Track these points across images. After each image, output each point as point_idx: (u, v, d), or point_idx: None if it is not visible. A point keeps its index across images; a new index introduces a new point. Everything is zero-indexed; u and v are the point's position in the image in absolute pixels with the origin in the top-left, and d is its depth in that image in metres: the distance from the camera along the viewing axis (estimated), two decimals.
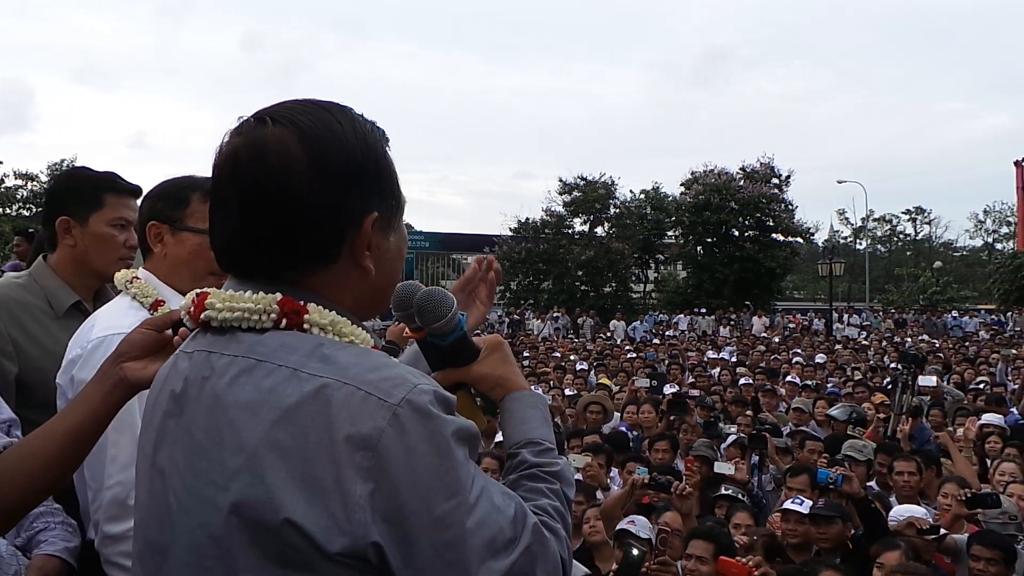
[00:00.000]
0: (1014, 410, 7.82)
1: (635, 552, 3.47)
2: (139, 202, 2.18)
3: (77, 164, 3.74)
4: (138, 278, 1.98)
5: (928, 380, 7.91)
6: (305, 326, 1.01)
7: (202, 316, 1.06)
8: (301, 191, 0.99)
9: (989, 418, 6.86)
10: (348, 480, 0.90)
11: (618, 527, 4.13)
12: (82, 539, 1.91)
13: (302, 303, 1.02)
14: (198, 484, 0.98)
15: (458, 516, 0.93)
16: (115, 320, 1.84)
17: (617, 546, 4.07)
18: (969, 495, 4.31)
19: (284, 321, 1.01)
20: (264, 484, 0.92)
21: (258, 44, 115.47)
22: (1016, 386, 10.02)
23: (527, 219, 33.88)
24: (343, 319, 1.03)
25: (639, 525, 4.06)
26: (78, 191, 2.27)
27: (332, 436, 0.91)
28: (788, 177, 34.43)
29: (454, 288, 1.48)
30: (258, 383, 0.97)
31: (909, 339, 20.41)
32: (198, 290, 1.11)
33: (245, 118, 1.04)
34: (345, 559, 0.91)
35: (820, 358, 14.02)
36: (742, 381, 10.41)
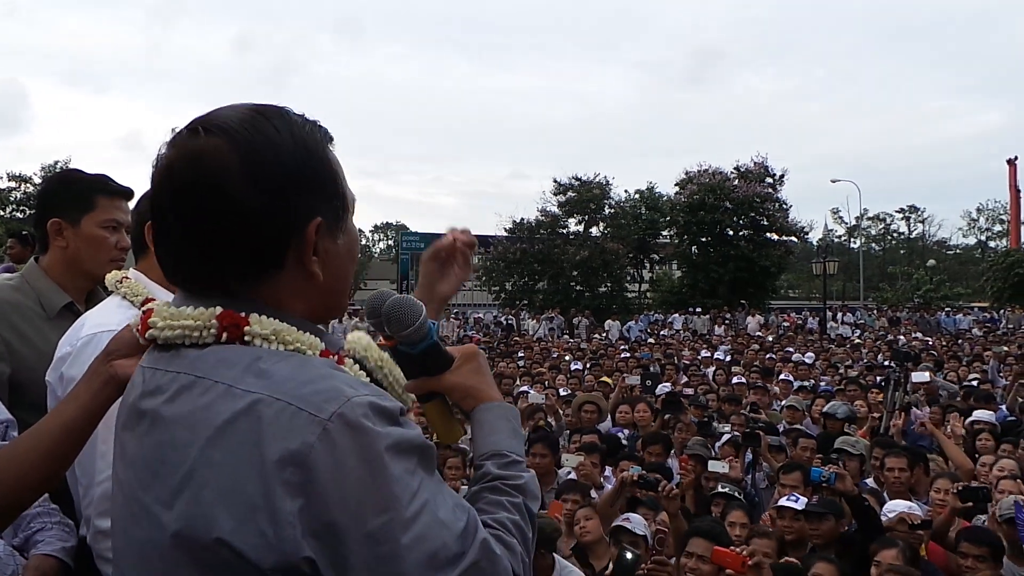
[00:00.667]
0: (1003, 407, 7.86)
1: (628, 556, 3.43)
2: (134, 203, 2.19)
3: (70, 166, 3.73)
4: (128, 278, 2.00)
5: (921, 376, 7.98)
6: (246, 338, 1.00)
7: (146, 334, 1.07)
8: (237, 201, 0.98)
9: (980, 414, 6.90)
10: (277, 497, 0.90)
11: (614, 524, 4.14)
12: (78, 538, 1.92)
13: (243, 315, 1.01)
14: (146, 500, 0.99)
15: (391, 532, 0.91)
16: (105, 318, 1.85)
17: (613, 543, 4.07)
18: (961, 487, 4.32)
19: (224, 335, 1.00)
20: (199, 503, 0.93)
21: (250, 45, 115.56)
22: (1007, 383, 10.05)
23: (522, 219, 33.87)
24: (287, 327, 1.02)
25: (634, 522, 4.07)
26: (70, 193, 2.27)
27: (262, 453, 0.91)
28: (782, 176, 34.56)
29: (425, 257, 1.50)
30: (195, 400, 0.97)
31: (902, 337, 20.47)
32: (146, 307, 1.12)
33: (179, 129, 1.04)
34: (280, 575, 0.91)
35: (809, 356, 14.07)
36: (736, 380, 10.45)
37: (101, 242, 2.25)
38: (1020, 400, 8.23)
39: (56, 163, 35.93)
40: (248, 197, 0.98)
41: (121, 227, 2.27)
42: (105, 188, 2.27)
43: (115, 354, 1.42)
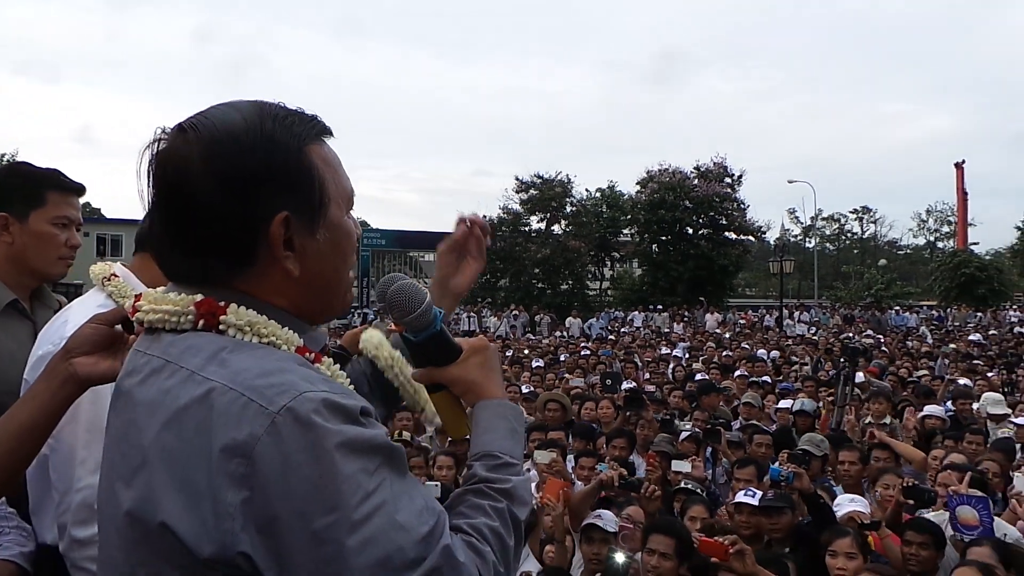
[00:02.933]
0: (949, 403, 8.14)
1: (620, 559, 3.32)
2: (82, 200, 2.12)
3: (18, 159, 3.63)
4: (116, 275, 1.94)
5: (858, 375, 8.27)
6: (221, 327, 1.01)
7: (134, 317, 1.10)
8: (202, 197, 0.99)
9: (931, 409, 7.13)
10: (221, 487, 0.90)
11: (585, 522, 4.15)
12: (36, 543, 1.86)
13: (223, 304, 1.02)
14: (113, 477, 1.02)
15: (336, 532, 0.89)
16: (87, 316, 1.80)
17: (584, 540, 4.09)
18: (909, 484, 4.46)
19: (201, 322, 1.02)
20: (149, 485, 0.95)
21: (209, 37, 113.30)
22: (961, 381, 10.40)
23: (484, 217, 33.80)
24: (264, 320, 1.02)
25: (605, 519, 4.08)
26: (19, 187, 2.18)
27: (211, 441, 0.91)
28: (740, 176, 35.19)
29: (441, 250, 1.49)
30: (161, 384, 0.99)
31: (854, 335, 21.00)
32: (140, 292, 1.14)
33: (172, 126, 1.06)
34: (217, 565, 0.91)
35: (762, 353, 14.38)
36: (696, 377, 10.62)
37: (50, 239, 2.16)
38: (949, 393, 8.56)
39: (3, 156, 34.80)
40: (209, 193, 0.99)
41: (72, 224, 2.19)
42: (56, 183, 2.18)
43: (75, 352, 1.39)
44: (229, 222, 1.00)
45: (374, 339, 1.28)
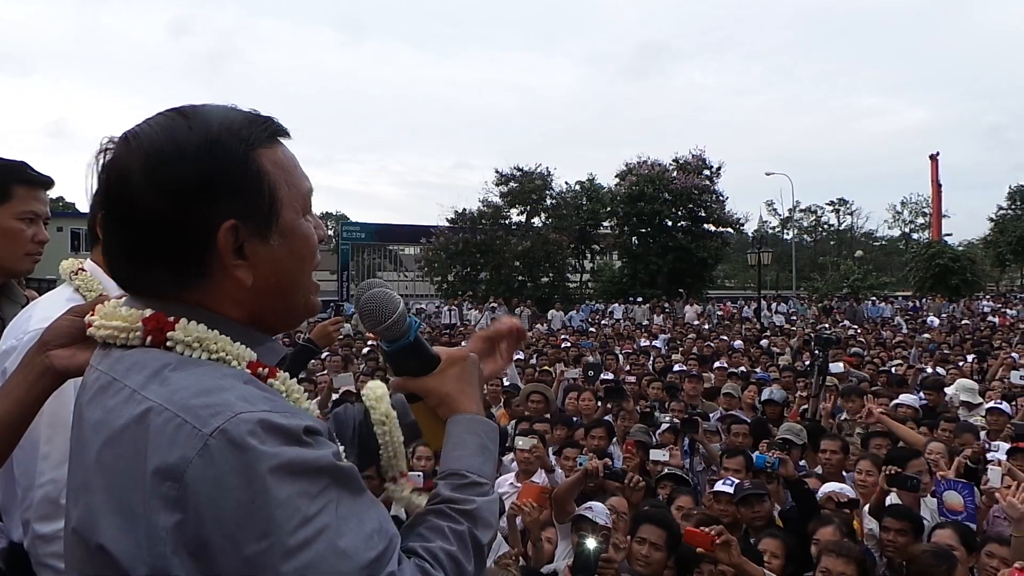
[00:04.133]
0: (921, 394, 8.27)
1: (591, 544, 3.31)
2: (54, 194, 2.07)
3: None
4: (83, 270, 1.92)
5: (836, 366, 8.36)
6: (169, 343, 0.99)
7: (87, 332, 1.08)
8: (144, 208, 0.97)
9: (905, 398, 7.24)
10: (153, 510, 0.88)
11: (576, 513, 4.16)
12: (7, 541, 1.85)
13: (172, 319, 1.00)
14: (69, 493, 1.01)
15: (270, 559, 0.86)
16: (54, 312, 1.78)
17: (573, 531, 4.10)
18: (893, 472, 4.53)
19: (149, 339, 1.00)
20: (89, 506, 0.94)
21: (186, 29, 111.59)
22: (931, 370, 10.55)
23: (464, 210, 33.83)
24: (213, 336, 1.00)
25: (596, 511, 4.08)
26: None
27: (145, 463, 0.89)
28: (719, 169, 35.40)
29: (480, 335, 1.46)
30: (106, 402, 0.97)
31: (830, 326, 21.23)
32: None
33: (119, 135, 1.04)
34: None
35: (738, 344, 14.51)
36: (675, 368, 10.69)
37: (16, 235, 2.11)
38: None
39: None
40: (151, 203, 0.97)
41: (39, 219, 2.14)
42: (23, 177, 2.12)
43: (51, 344, 1.39)
44: (174, 233, 0.98)
45: (377, 392, 1.26)
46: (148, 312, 1.01)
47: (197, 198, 0.97)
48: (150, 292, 1.03)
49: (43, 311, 1.80)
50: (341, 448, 1.04)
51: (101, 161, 1.02)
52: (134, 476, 0.90)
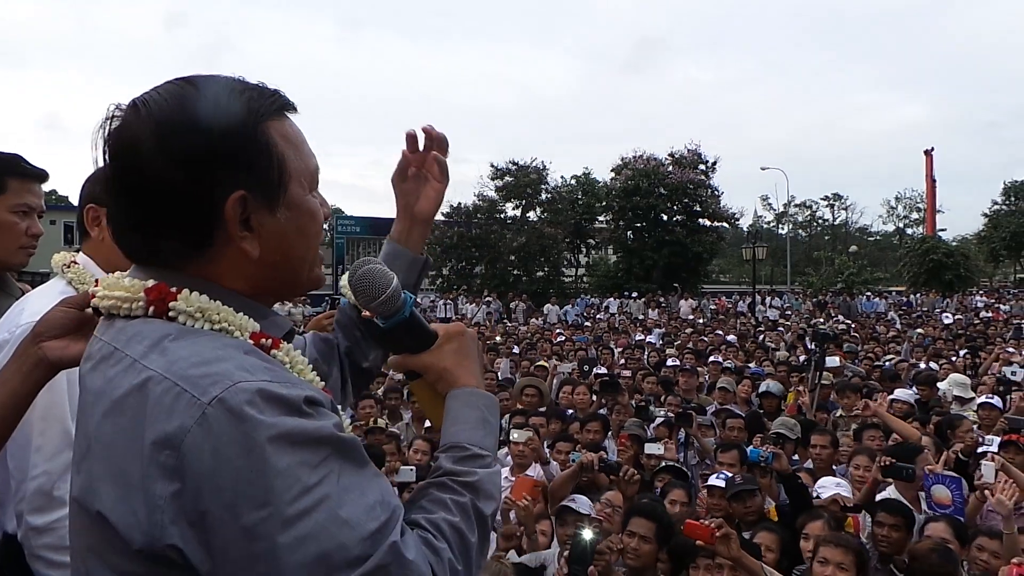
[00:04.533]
0: (913, 388, 8.31)
1: (587, 535, 3.29)
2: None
3: None
4: (76, 263, 1.91)
5: (832, 360, 8.39)
6: (171, 314, 0.99)
7: (91, 303, 1.08)
8: (153, 176, 0.96)
9: (899, 394, 7.27)
10: (151, 479, 0.88)
11: (559, 505, 4.18)
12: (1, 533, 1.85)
13: (175, 290, 0.99)
14: (72, 462, 1.02)
15: (268, 528, 0.86)
16: (46, 305, 1.78)
17: (559, 524, 4.12)
18: (888, 463, 4.55)
19: (151, 309, 0.99)
20: (91, 474, 0.95)
21: (181, 21, 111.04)
22: (923, 365, 10.60)
23: (459, 204, 33.79)
24: (216, 306, 1.00)
25: (580, 503, 4.11)
26: None
27: (144, 432, 0.89)
28: (714, 163, 35.42)
29: (394, 178, 1.42)
30: (107, 371, 0.97)
31: (825, 320, 21.29)
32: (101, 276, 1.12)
33: (127, 102, 1.03)
34: (150, 556, 0.90)
35: (731, 338, 14.56)
36: (669, 362, 10.73)
37: (10, 228, 2.10)
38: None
39: None
40: (161, 171, 0.96)
41: (33, 212, 2.13)
42: (17, 170, 2.10)
43: (45, 336, 1.39)
44: (182, 202, 0.97)
45: (343, 281, 1.25)
46: (151, 282, 1.00)
47: (207, 168, 0.96)
48: (156, 263, 1.02)
49: (35, 304, 1.79)
50: (346, 420, 1.05)
51: (107, 128, 1.01)
52: (133, 445, 0.90)
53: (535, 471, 5.07)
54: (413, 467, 4.64)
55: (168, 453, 0.87)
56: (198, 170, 0.96)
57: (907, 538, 3.97)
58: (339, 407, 1.11)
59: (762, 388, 8.00)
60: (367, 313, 1.19)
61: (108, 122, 1.01)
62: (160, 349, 0.95)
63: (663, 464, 5.22)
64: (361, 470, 0.94)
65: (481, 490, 1.08)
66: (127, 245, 1.04)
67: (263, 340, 1.02)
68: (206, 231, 0.99)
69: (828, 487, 4.62)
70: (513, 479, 4.88)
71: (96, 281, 1.09)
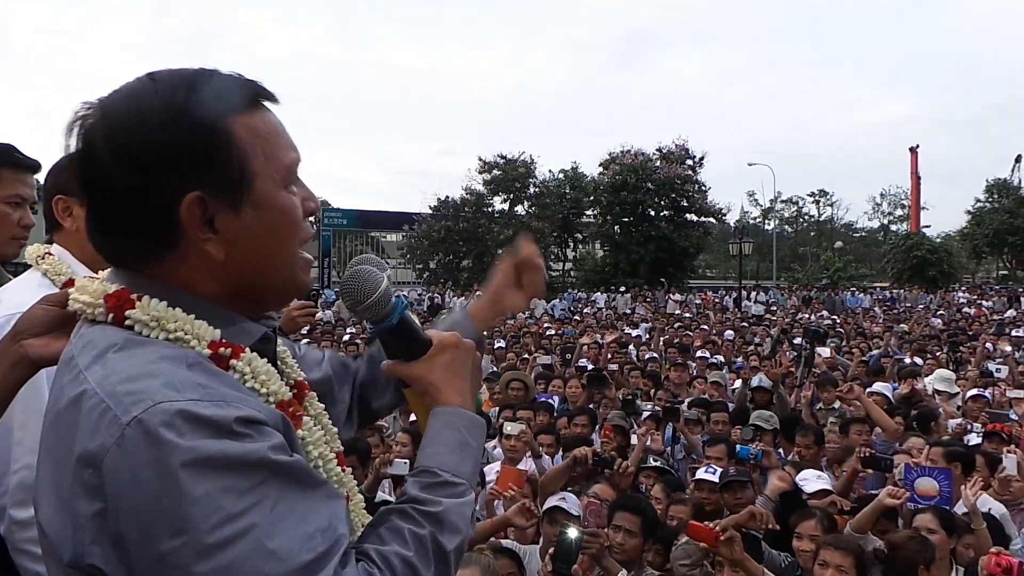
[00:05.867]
0: (898, 383, 8.39)
1: (572, 534, 3.27)
2: (42, 178, 2.07)
3: None
4: (51, 254, 1.89)
5: (823, 351, 8.47)
6: (127, 322, 0.96)
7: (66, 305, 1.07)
8: (106, 178, 0.93)
9: (878, 387, 7.35)
10: (77, 496, 0.86)
11: (548, 504, 4.16)
12: None
13: (135, 296, 0.96)
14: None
15: (183, 558, 0.81)
16: (23, 298, 1.75)
17: (547, 522, 4.11)
18: (867, 455, 4.61)
19: (111, 316, 0.97)
20: (38, 481, 0.95)
21: (169, 11, 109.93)
22: (909, 360, 10.69)
23: (447, 197, 33.77)
24: (173, 314, 0.96)
25: (570, 502, 4.09)
26: None
27: (73, 447, 0.87)
28: (702, 159, 35.57)
29: (504, 261, 1.46)
30: (61, 378, 0.96)
31: (810, 316, 21.45)
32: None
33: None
34: (77, 572, 0.88)
35: (729, 334, 14.63)
36: (648, 355, 10.81)
37: (3, 219, 2.09)
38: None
39: None
40: (113, 172, 0.93)
41: (25, 203, 2.12)
42: (10, 160, 2.09)
43: (26, 333, 1.37)
44: (137, 204, 0.93)
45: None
46: (112, 288, 0.98)
47: (159, 169, 0.92)
48: (125, 265, 1.00)
49: (12, 297, 1.78)
50: (317, 434, 1.02)
51: (73, 127, 0.98)
52: (66, 460, 0.87)
53: (527, 464, 5.07)
54: (407, 460, 4.59)
55: (91, 472, 0.85)
56: (150, 170, 0.92)
57: (890, 528, 4.02)
58: (313, 423, 1.08)
59: (753, 383, 8.02)
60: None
61: (77, 120, 0.98)
62: (102, 360, 0.91)
63: (650, 462, 5.23)
64: (305, 494, 0.89)
65: (445, 522, 1.00)
66: (96, 245, 1.01)
67: (222, 349, 0.97)
68: (167, 233, 0.95)
69: (809, 480, 4.66)
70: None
71: (71, 281, 1.09)
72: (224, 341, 0.98)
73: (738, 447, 5.05)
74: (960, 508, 4.23)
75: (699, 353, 11.07)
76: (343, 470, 1.15)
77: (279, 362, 1.19)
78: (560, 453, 5.32)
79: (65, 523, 0.87)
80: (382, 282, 1.10)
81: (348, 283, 1.11)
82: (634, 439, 5.54)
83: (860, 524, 3.88)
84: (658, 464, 5.20)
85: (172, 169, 0.92)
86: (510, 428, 5.14)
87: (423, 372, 1.13)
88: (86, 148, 0.95)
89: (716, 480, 4.55)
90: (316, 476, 0.94)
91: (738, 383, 8.36)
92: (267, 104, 1.02)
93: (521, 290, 1.47)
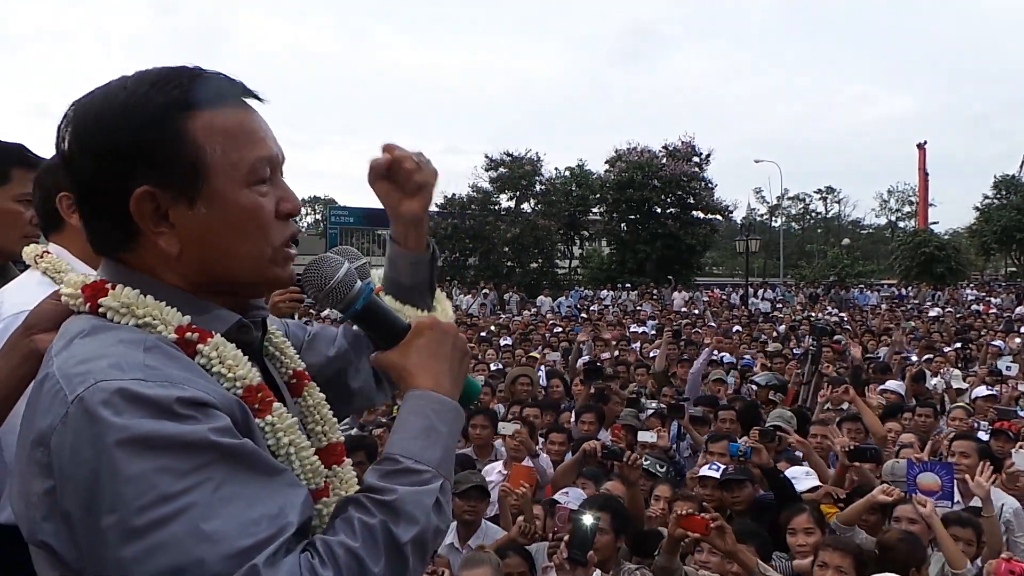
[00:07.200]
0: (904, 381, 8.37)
1: (588, 520, 3.28)
2: (43, 176, 2.05)
3: None
4: (48, 252, 1.90)
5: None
6: (101, 310, 1.00)
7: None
8: (72, 169, 1.00)
9: (891, 384, 7.34)
10: (31, 475, 0.90)
11: (547, 499, 4.19)
12: None
13: (110, 285, 1.01)
14: None
15: (115, 536, 0.82)
16: (27, 297, 1.75)
17: (548, 516, 4.13)
18: (852, 447, 4.63)
19: (88, 305, 1.01)
20: (12, 463, 0.99)
21: (172, 9, 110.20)
22: (916, 357, 10.65)
23: (453, 195, 33.74)
24: (142, 300, 0.99)
25: (571, 497, 4.12)
26: None
27: (31, 427, 0.92)
28: (708, 156, 35.39)
29: (370, 181, 1.36)
30: (43, 367, 0.99)
31: (817, 313, 21.37)
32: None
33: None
34: (37, 549, 0.92)
35: (737, 328, 14.62)
36: (652, 353, 10.80)
37: (15, 217, 2.09)
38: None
39: None
40: (78, 166, 0.99)
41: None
42: (22, 159, 2.10)
43: (36, 328, 1.38)
44: (100, 196, 0.99)
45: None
46: (89, 280, 1.02)
47: (111, 161, 0.97)
48: (107, 254, 1.05)
49: (15, 296, 1.78)
50: (289, 420, 1.03)
51: (61, 124, 1.03)
52: (25, 439, 0.92)
53: (525, 464, 5.08)
54: None
55: (42, 450, 0.88)
56: (105, 166, 0.97)
57: (882, 521, 4.04)
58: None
59: (763, 380, 8.00)
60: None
61: (63, 116, 1.03)
62: (69, 346, 0.96)
63: (645, 465, 5.22)
64: (257, 480, 0.88)
65: (400, 511, 0.94)
66: (87, 236, 1.06)
67: (188, 335, 0.99)
68: (127, 226, 0.99)
69: (799, 477, 4.66)
70: (506, 472, 4.90)
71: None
72: (192, 327, 1.00)
73: (729, 444, 5.05)
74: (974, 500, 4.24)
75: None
76: (339, 463, 1.15)
77: (278, 352, 1.20)
78: (569, 452, 5.34)
79: (25, 501, 0.91)
80: (341, 268, 1.09)
81: (307, 271, 1.11)
82: (642, 436, 5.54)
83: (848, 517, 3.91)
84: (647, 465, 5.18)
85: (123, 162, 0.97)
86: (503, 428, 5.17)
87: (398, 358, 1.10)
88: (62, 140, 1.01)
89: (718, 477, 4.56)
90: (271, 462, 0.93)
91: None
92: (251, 102, 1.03)
93: (409, 195, 1.37)
